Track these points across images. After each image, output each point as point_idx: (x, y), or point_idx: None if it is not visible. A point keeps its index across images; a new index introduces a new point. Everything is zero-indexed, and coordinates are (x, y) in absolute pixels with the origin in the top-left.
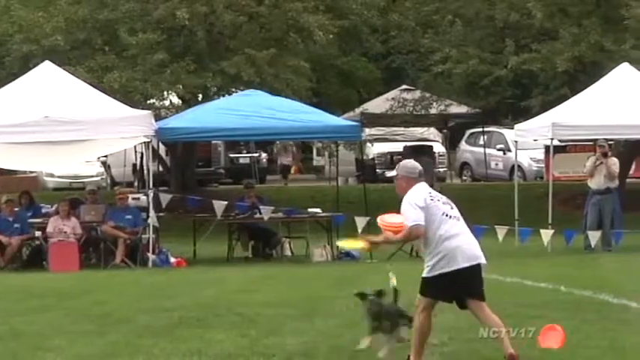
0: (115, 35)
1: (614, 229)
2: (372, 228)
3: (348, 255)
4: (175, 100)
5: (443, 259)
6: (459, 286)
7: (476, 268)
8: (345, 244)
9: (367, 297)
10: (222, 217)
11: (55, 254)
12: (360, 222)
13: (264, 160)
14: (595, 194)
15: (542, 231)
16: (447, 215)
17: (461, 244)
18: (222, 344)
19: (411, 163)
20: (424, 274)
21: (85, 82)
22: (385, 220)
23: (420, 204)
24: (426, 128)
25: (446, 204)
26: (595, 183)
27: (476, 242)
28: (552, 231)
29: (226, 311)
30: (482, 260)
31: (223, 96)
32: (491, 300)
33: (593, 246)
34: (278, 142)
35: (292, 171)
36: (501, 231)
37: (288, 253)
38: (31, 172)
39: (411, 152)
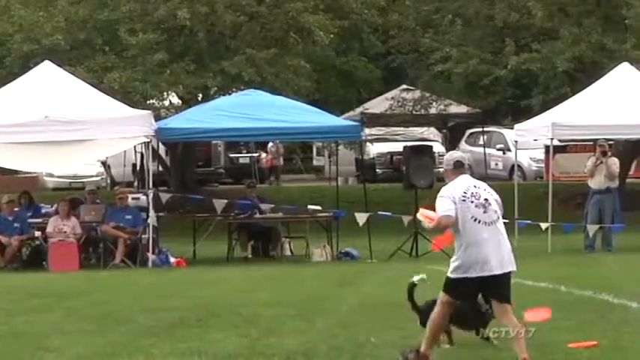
0: (115, 35)
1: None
2: (372, 225)
3: (347, 255)
4: (175, 100)
5: (465, 264)
6: (481, 291)
7: (503, 276)
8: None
9: None
10: (222, 217)
11: (54, 254)
12: (361, 218)
13: (264, 160)
14: (595, 194)
15: (541, 224)
16: (475, 220)
17: (486, 251)
18: (221, 344)
19: (448, 155)
20: (448, 273)
21: (85, 82)
22: (424, 212)
23: (450, 198)
24: (425, 128)
25: (479, 206)
26: (595, 183)
27: (506, 248)
28: (550, 224)
29: (226, 311)
30: (510, 268)
31: (224, 95)
32: None
33: (593, 241)
34: (271, 144)
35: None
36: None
37: (287, 253)
38: (31, 171)
39: (410, 152)
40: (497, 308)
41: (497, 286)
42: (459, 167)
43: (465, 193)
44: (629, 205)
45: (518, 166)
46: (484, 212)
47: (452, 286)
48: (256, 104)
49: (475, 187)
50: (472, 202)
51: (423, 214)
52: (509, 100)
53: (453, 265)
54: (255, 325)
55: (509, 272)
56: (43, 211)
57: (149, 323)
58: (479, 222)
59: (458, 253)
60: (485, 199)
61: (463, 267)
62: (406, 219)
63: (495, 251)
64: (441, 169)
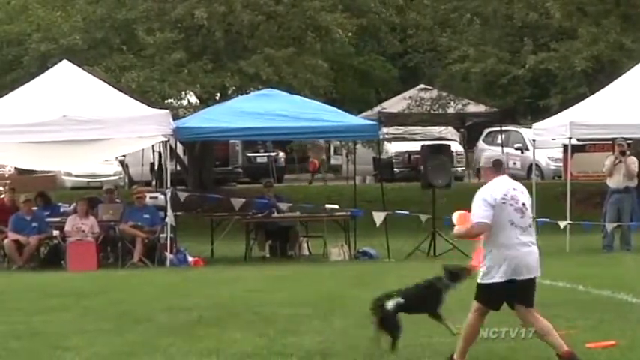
0: (132, 35)
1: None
2: (389, 224)
3: (365, 254)
4: (193, 99)
5: (497, 267)
6: (510, 296)
7: (530, 281)
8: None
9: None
10: (240, 216)
11: (72, 253)
12: (378, 217)
13: (282, 159)
14: (614, 193)
15: (560, 223)
16: (512, 223)
17: (519, 255)
18: (239, 343)
19: (489, 154)
20: (478, 280)
21: (103, 81)
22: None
23: (490, 201)
24: (443, 127)
25: (517, 210)
26: (614, 182)
27: (535, 253)
28: (568, 223)
29: (244, 310)
30: (538, 273)
31: (242, 95)
32: None
33: (612, 240)
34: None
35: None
36: None
37: (305, 252)
38: (49, 171)
39: (428, 151)
40: (523, 312)
41: (525, 291)
42: (498, 167)
43: (505, 195)
44: None
45: (536, 165)
46: (521, 217)
47: (483, 292)
48: (274, 103)
49: (514, 189)
50: (511, 205)
51: (459, 218)
52: (526, 100)
53: (483, 270)
54: (272, 325)
55: (534, 278)
56: (62, 210)
57: (167, 322)
58: (515, 226)
59: (488, 257)
60: (523, 204)
61: (495, 271)
62: (424, 218)
63: (526, 256)
64: (459, 169)
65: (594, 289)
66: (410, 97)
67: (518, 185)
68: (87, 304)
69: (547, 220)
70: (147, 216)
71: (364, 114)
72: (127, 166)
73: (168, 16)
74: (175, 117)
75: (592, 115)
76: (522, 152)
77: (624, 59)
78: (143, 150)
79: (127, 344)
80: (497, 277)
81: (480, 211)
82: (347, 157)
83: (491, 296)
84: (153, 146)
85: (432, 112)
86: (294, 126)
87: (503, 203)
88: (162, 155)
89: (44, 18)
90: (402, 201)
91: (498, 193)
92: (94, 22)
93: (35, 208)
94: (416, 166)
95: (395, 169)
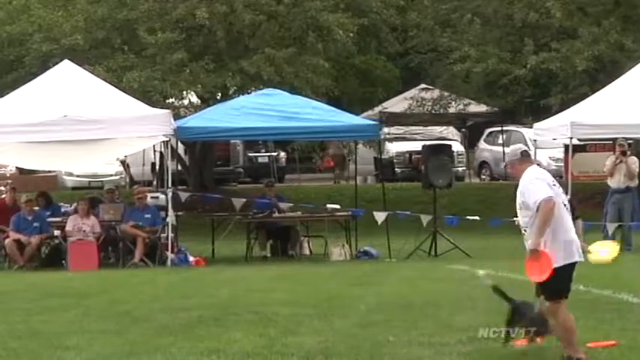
0: (134, 34)
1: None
2: (390, 224)
3: (366, 254)
4: (194, 99)
5: (561, 250)
6: (570, 280)
7: (574, 265)
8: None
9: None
10: (241, 216)
11: (74, 253)
12: (379, 217)
13: (283, 159)
14: (615, 193)
15: None
16: (565, 205)
17: (575, 237)
18: (240, 343)
19: (513, 146)
20: None
21: (104, 81)
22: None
23: (545, 180)
24: (444, 127)
25: (563, 194)
26: (615, 182)
27: None
28: None
29: (244, 310)
30: (582, 258)
31: (243, 95)
32: None
33: (612, 239)
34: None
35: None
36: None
37: (306, 252)
38: (50, 171)
39: (429, 151)
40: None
41: (571, 276)
42: (527, 157)
43: (552, 179)
44: None
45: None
46: (566, 200)
47: (552, 284)
48: (275, 103)
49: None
50: (559, 188)
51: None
52: (528, 100)
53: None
54: (273, 325)
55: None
56: (63, 210)
57: (168, 322)
58: (567, 209)
59: (554, 244)
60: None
61: (556, 256)
62: (425, 218)
63: (577, 238)
64: (460, 169)
65: (595, 288)
66: (411, 98)
67: None
68: (88, 304)
69: None
70: (148, 216)
71: (365, 114)
72: (128, 165)
73: (169, 15)
74: (176, 117)
75: (593, 115)
76: None
77: (625, 59)
78: (144, 150)
79: (128, 344)
80: (566, 260)
81: (540, 190)
82: (348, 156)
83: (562, 283)
84: (154, 146)
85: (433, 112)
86: (296, 126)
87: (554, 185)
88: (164, 155)
89: (45, 18)
90: (403, 201)
91: (547, 175)
92: (95, 22)
93: (36, 208)
94: (417, 166)
95: (396, 169)
